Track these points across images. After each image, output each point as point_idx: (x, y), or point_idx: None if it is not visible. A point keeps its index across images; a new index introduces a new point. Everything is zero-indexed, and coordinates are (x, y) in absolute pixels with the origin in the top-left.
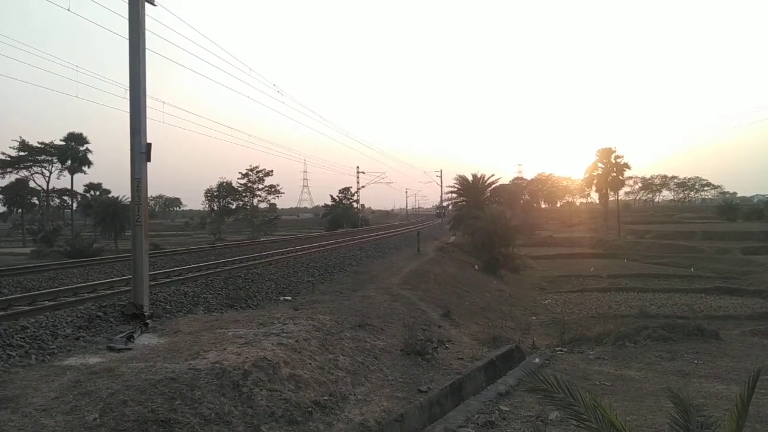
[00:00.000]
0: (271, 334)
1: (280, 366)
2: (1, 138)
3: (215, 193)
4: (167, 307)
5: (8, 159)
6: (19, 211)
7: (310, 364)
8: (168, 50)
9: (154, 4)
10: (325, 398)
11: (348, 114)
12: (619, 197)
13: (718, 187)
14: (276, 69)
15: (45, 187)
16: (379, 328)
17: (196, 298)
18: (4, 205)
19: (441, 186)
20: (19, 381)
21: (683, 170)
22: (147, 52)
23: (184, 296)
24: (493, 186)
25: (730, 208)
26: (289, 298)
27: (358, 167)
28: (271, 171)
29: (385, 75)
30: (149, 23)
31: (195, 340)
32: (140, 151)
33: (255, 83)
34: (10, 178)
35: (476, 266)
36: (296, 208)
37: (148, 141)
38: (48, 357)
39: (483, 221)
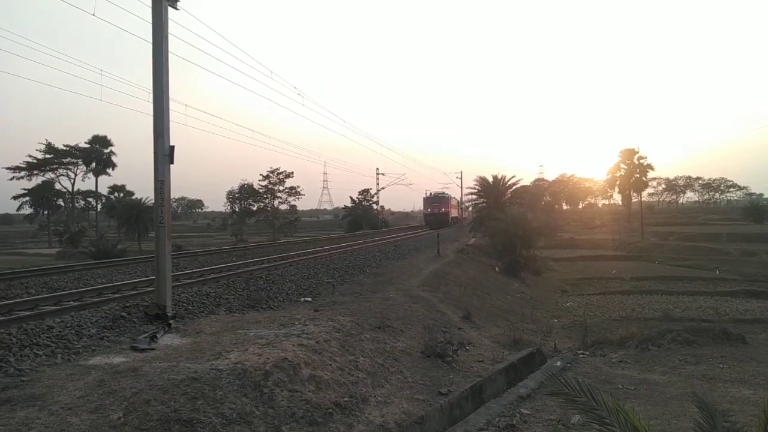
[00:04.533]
0: (291, 335)
1: (301, 367)
2: (28, 141)
3: (237, 195)
4: (190, 307)
5: (35, 162)
6: (45, 212)
7: (331, 365)
8: (191, 53)
9: (176, 8)
10: (345, 399)
11: (368, 116)
12: (643, 198)
13: (744, 188)
14: (297, 71)
15: (70, 189)
16: (398, 329)
17: (218, 299)
18: (31, 206)
19: (461, 187)
20: (46, 380)
21: (708, 171)
22: (170, 55)
23: (206, 297)
24: (514, 187)
25: (756, 209)
26: (310, 299)
27: (377, 169)
28: (292, 173)
29: (407, 76)
30: (172, 27)
31: (217, 341)
32: (163, 154)
33: (276, 86)
34: (36, 180)
35: (497, 268)
36: (316, 210)
37: (171, 143)
38: (73, 356)
39: (504, 223)
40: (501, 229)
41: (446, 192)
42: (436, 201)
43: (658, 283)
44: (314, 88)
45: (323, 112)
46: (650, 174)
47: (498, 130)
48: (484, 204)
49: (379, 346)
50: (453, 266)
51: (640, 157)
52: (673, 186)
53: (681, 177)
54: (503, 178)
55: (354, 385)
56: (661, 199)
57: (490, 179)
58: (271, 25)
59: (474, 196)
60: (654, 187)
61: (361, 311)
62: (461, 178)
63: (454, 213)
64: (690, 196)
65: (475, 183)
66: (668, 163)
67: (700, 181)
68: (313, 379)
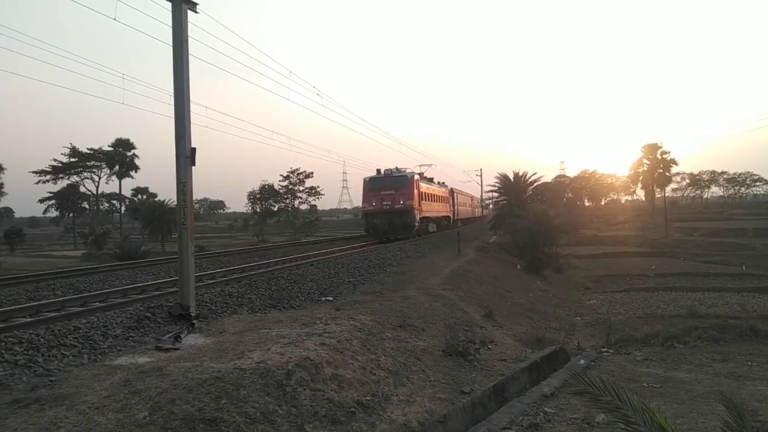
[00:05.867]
0: (313, 334)
1: (323, 366)
2: (54, 145)
3: (258, 196)
4: (213, 307)
5: (60, 165)
6: (71, 215)
7: (352, 364)
8: (211, 56)
9: (196, 12)
10: (367, 398)
11: (388, 114)
12: (666, 194)
13: None
14: (316, 71)
15: (95, 192)
16: (420, 328)
17: (240, 299)
18: (57, 209)
19: (481, 185)
20: (73, 380)
21: (733, 164)
22: (190, 58)
23: (228, 297)
24: (535, 184)
25: None
26: (331, 298)
27: (396, 168)
28: (312, 173)
29: (427, 74)
30: (192, 30)
31: (240, 340)
32: (185, 156)
33: (295, 86)
34: (62, 183)
35: (518, 266)
36: (336, 209)
37: (193, 145)
38: (99, 356)
39: (525, 220)
40: (522, 227)
41: (412, 171)
42: (388, 187)
43: (682, 279)
44: (333, 87)
45: (342, 111)
46: (674, 169)
47: (519, 127)
48: (505, 201)
49: (400, 345)
50: (474, 264)
51: (664, 152)
52: (697, 181)
53: (705, 171)
54: (524, 174)
55: (376, 384)
56: (685, 194)
57: (511, 176)
58: (290, 27)
59: (495, 194)
60: (678, 182)
61: (382, 310)
62: (481, 176)
63: (435, 210)
64: (715, 190)
65: (495, 180)
66: (691, 155)
67: (725, 176)
68: (336, 378)
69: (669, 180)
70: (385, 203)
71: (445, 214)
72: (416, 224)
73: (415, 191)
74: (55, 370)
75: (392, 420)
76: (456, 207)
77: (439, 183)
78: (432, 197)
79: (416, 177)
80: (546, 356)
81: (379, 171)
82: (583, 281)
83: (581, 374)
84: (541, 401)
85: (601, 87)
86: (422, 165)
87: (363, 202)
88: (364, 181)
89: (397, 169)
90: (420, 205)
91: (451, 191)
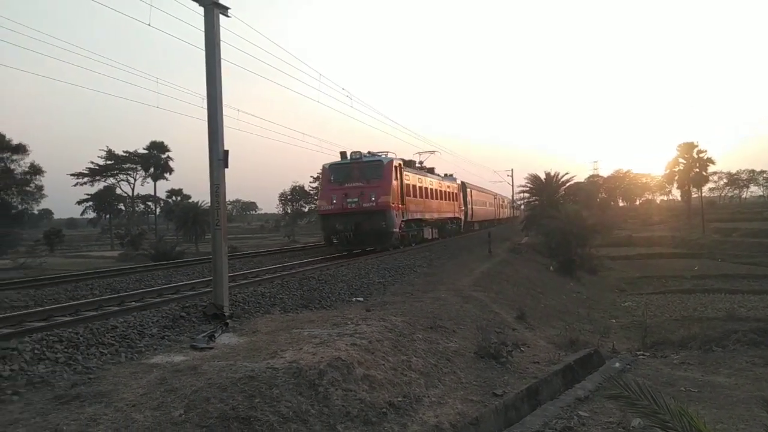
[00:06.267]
0: (344, 334)
1: (354, 366)
2: (91, 148)
3: (289, 197)
4: (246, 307)
5: (97, 168)
6: (108, 216)
7: (384, 365)
8: (242, 59)
9: (228, 16)
10: (399, 399)
11: (418, 114)
12: (703, 194)
13: None
14: (345, 73)
15: (130, 194)
16: (451, 330)
17: (272, 299)
18: (94, 211)
19: (512, 186)
20: (111, 377)
21: None
22: (222, 62)
23: (261, 297)
24: (568, 184)
25: None
26: (361, 299)
27: (369, 151)
28: None
29: (459, 75)
30: (223, 34)
31: (272, 340)
32: (218, 158)
33: (325, 88)
34: (98, 185)
35: (551, 267)
36: None
37: (226, 148)
38: (136, 355)
39: (558, 221)
40: (555, 227)
41: (393, 154)
42: (355, 177)
43: (720, 281)
44: (362, 89)
45: (371, 112)
46: (710, 168)
47: (551, 127)
48: (537, 202)
49: (431, 347)
50: (505, 265)
51: (700, 151)
52: (735, 180)
53: (744, 170)
54: (556, 174)
55: (407, 385)
56: (722, 194)
57: (543, 176)
58: (319, 28)
59: (526, 194)
60: (715, 181)
61: (413, 311)
62: (512, 176)
63: (435, 210)
64: (754, 190)
65: (526, 181)
66: (728, 153)
67: (764, 175)
68: (367, 378)
69: (706, 179)
70: (349, 200)
71: (450, 215)
72: (396, 229)
73: (395, 183)
74: (93, 367)
75: (424, 421)
76: (470, 206)
77: (445, 175)
78: (428, 193)
79: (397, 163)
80: (580, 359)
81: (344, 154)
82: (617, 283)
83: (616, 378)
84: (575, 405)
85: (636, 85)
86: (422, 152)
87: (320, 198)
88: (323, 169)
89: (370, 152)
90: (404, 203)
91: (462, 186)
